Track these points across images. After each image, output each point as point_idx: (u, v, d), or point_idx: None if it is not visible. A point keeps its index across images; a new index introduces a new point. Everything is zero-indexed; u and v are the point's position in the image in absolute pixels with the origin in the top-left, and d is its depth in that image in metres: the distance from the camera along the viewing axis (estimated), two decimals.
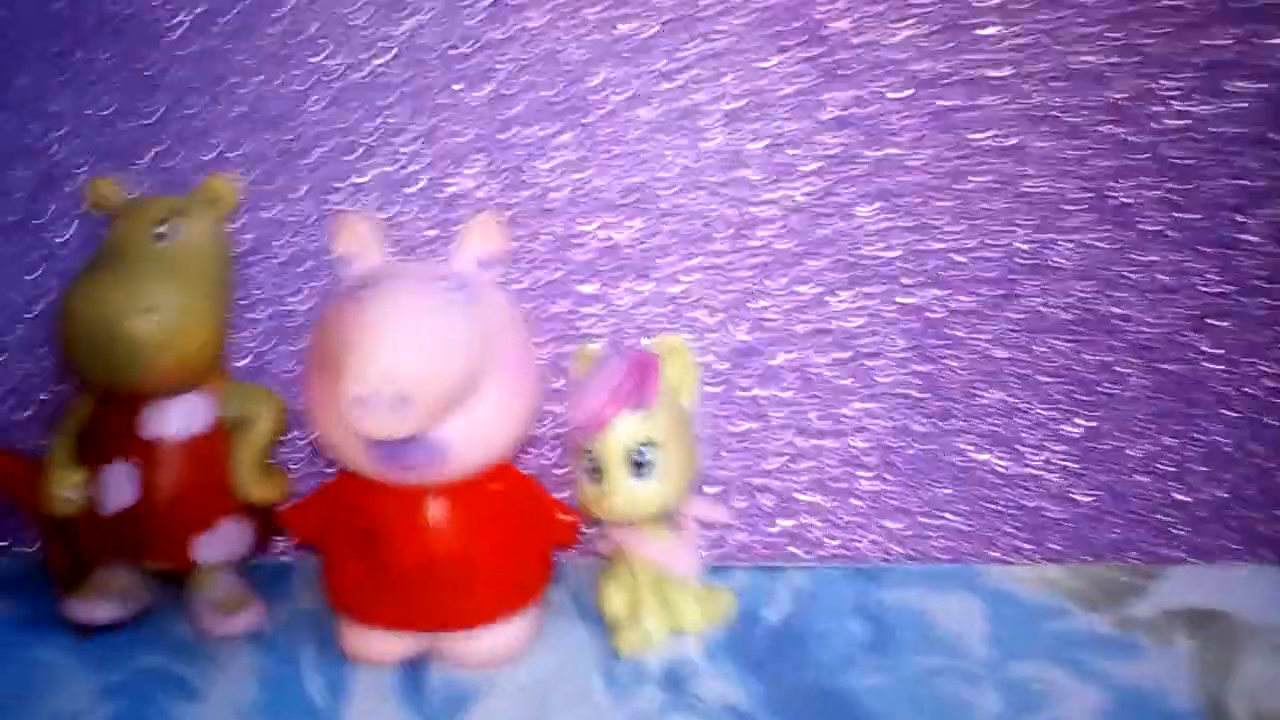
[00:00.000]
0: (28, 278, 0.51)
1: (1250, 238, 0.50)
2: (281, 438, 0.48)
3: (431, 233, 0.50)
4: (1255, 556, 0.53)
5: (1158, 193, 0.49)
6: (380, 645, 0.45)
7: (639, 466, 0.44)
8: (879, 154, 0.50)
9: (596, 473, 0.45)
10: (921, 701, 0.44)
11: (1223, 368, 0.51)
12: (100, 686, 0.44)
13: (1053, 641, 0.48)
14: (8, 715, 0.42)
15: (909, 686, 0.45)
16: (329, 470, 0.51)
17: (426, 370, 0.39)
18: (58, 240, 0.51)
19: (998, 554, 0.53)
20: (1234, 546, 0.53)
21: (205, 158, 0.50)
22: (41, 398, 0.52)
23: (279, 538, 0.51)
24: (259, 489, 0.46)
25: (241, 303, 0.50)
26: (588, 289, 0.51)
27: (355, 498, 0.45)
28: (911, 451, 0.52)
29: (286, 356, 0.51)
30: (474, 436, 0.42)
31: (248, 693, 0.44)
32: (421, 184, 0.50)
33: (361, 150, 0.50)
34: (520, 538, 0.46)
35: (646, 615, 0.47)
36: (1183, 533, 0.53)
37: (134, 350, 0.42)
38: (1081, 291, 0.51)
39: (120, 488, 0.45)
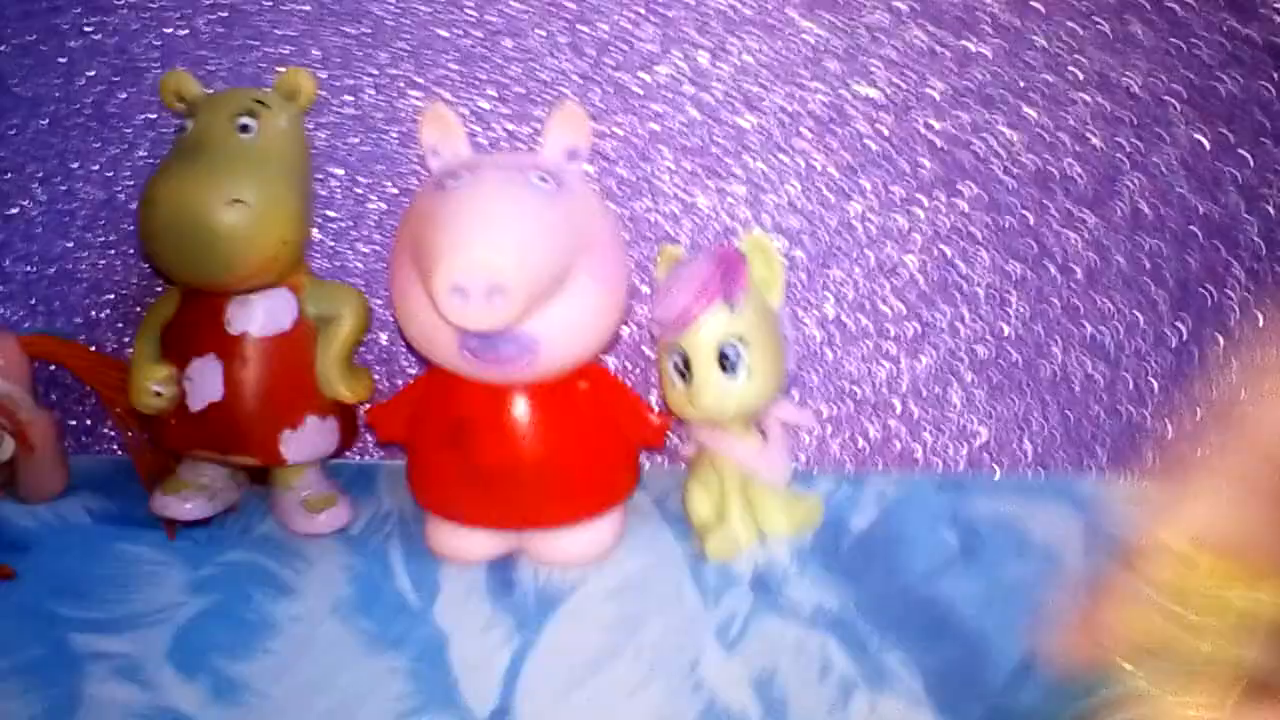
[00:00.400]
0: (105, 173, 0.50)
1: None
2: (364, 337, 0.48)
3: (515, 126, 0.49)
4: None
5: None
6: (468, 543, 0.45)
7: (728, 363, 0.43)
8: (965, 50, 0.48)
9: (685, 370, 0.44)
10: (1014, 608, 0.43)
11: None
12: (191, 580, 0.44)
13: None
14: (103, 607, 0.43)
15: (1001, 592, 0.44)
16: (410, 377, 0.51)
17: (520, 260, 0.38)
18: (132, 134, 0.50)
19: (1091, 465, 0.52)
20: None
21: (283, 52, 0.49)
22: (124, 294, 0.51)
23: (363, 439, 0.51)
24: (345, 387, 0.46)
25: (318, 202, 0.49)
26: (670, 189, 0.50)
27: (442, 396, 0.44)
28: (1003, 359, 0.51)
29: (361, 258, 0.51)
30: (564, 331, 0.41)
31: (339, 588, 0.44)
32: (505, 78, 0.49)
33: (438, 45, 0.48)
34: (607, 438, 0.45)
35: (734, 520, 0.46)
36: None
37: (220, 243, 0.42)
38: (1184, 192, 0.49)
39: (207, 383, 0.45)
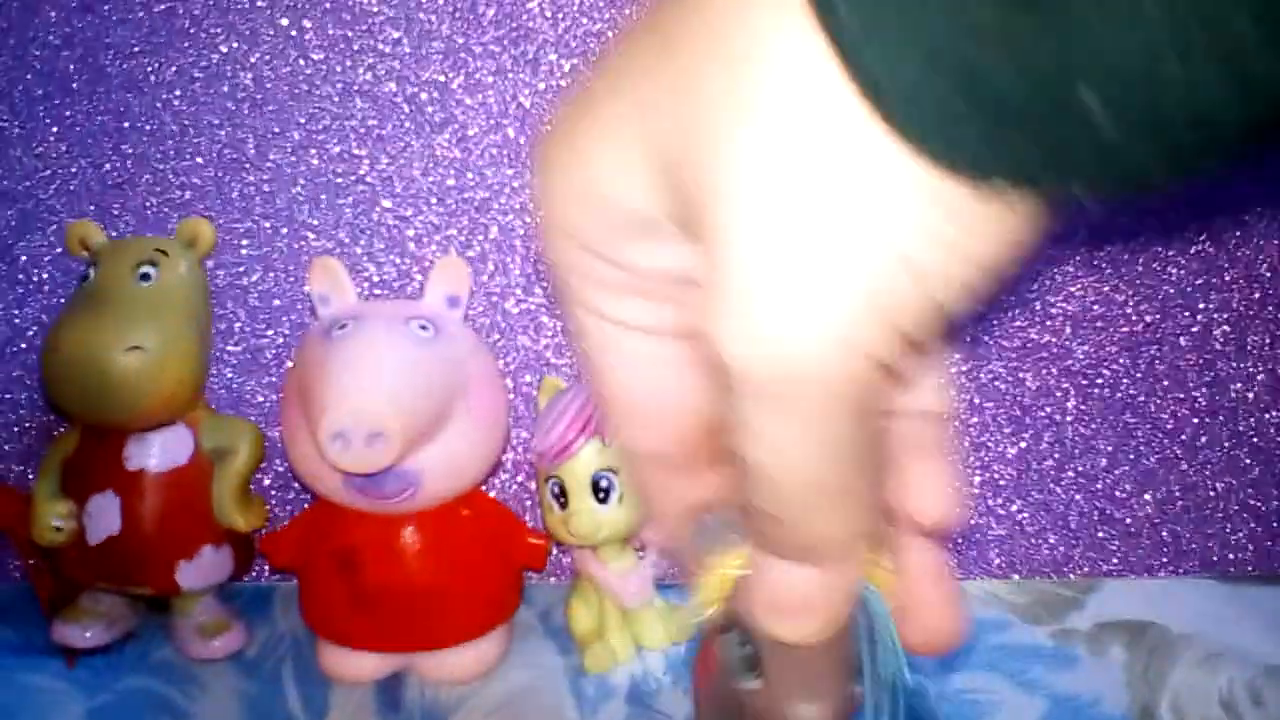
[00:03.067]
0: (11, 313, 0.52)
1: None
2: (259, 467, 0.50)
3: (398, 273, 0.53)
4: (1184, 570, 0.56)
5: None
6: (358, 664, 0.48)
7: (601, 491, 0.47)
8: None
9: (561, 497, 0.47)
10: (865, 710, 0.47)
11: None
12: (89, 709, 0.46)
13: (996, 654, 0.51)
14: None
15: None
16: (305, 498, 0.54)
17: (398, 407, 0.41)
18: (38, 276, 0.52)
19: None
20: (1165, 561, 0.56)
21: (183, 197, 0.52)
22: (28, 427, 0.53)
23: (258, 563, 0.53)
24: (240, 517, 0.48)
25: (217, 338, 0.52)
26: (551, 321, 0.53)
27: (331, 524, 0.47)
28: None
29: (262, 389, 0.53)
30: (444, 466, 0.44)
31: (231, 713, 0.46)
32: (390, 225, 0.52)
33: (331, 192, 0.52)
34: (490, 560, 0.48)
35: (611, 633, 0.49)
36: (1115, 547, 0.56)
37: (120, 386, 0.44)
38: (1019, 320, 0.54)
39: (105, 517, 0.47)
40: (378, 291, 0.52)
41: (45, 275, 0.52)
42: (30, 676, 0.48)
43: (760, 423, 0.20)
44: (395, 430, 0.41)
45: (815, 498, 0.22)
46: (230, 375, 0.53)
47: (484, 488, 0.49)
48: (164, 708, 0.46)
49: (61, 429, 0.52)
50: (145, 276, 0.46)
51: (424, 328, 0.44)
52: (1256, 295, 0.53)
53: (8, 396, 0.53)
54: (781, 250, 0.19)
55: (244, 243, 0.52)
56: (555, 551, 0.53)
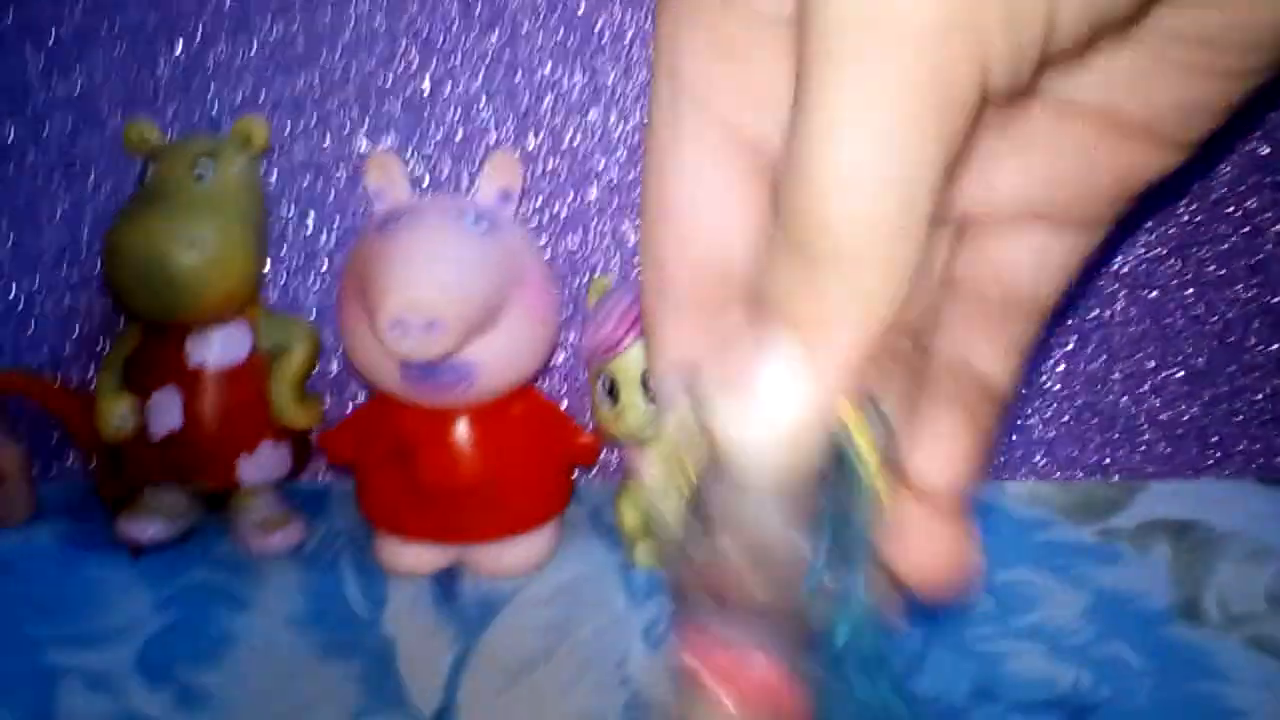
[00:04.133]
0: (70, 217, 0.53)
1: None
2: (315, 366, 0.51)
3: (449, 174, 0.53)
4: (1230, 473, 0.56)
5: None
6: (414, 557, 0.49)
7: (650, 387, 0.47)
8: None
9: (612, 394, 0.48)
10: (916, 603, 0.47)
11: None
12: (154, 599, 0.48)
13: (1039, 550, 0.51)
14: (72, 624, 0.46)
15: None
16: (359, 402, 0.54)
17: (455, 297, 0.42)
18: (94, 179, 0.53)
19: (985, 471, 0.56)
20: (1210, 463, 0.56)
21: (236, 99, 0.52)
22: (89, 331, 0.54)
23: (315, 464, 0.55)
24: (296, 414, 0.49)
25: (270, 242, 0.53)
26: (600, 223, 0.54)
27: (387, 420, 0.48)
28: None
29: (315, 293, 0.54)
30: (499, 359, 0.45)
31: (293, 603, 0.47)
32: (441, 126, 0.52)
33: (381, 93, 0.52)
34: (542, 456, 0.49)
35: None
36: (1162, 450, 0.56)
37: (178, 282, 0.45)
38: None
39: (167, 413, 0.48)
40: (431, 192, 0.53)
41: (103, 178, 0.53)
42: (96, 569, 0.49)
43: (839, 110, 0.17)
44: (452, 318, 0.41)
45: (868, 221, 0.18)
46: (284, 279, 0.54)
47: (536, 387, 0.50)
48: (228, 598, 0.48)
49: (122, 328, 0.53)
50: (201, 176, 0.47)
51: (478, 221, 0.44)
52: None
53: (67, 302, 0.54)
54: None
55: (296, 145, 0.52)
56: (605, 452, 0.54)
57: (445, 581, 0.49)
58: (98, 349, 0.54)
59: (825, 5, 0.17)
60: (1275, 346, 0.55)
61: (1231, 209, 0.53)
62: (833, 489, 0.22)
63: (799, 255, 0.19)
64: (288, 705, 0.42)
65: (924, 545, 0.24)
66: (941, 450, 0.24)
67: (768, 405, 0.20)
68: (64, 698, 0.42)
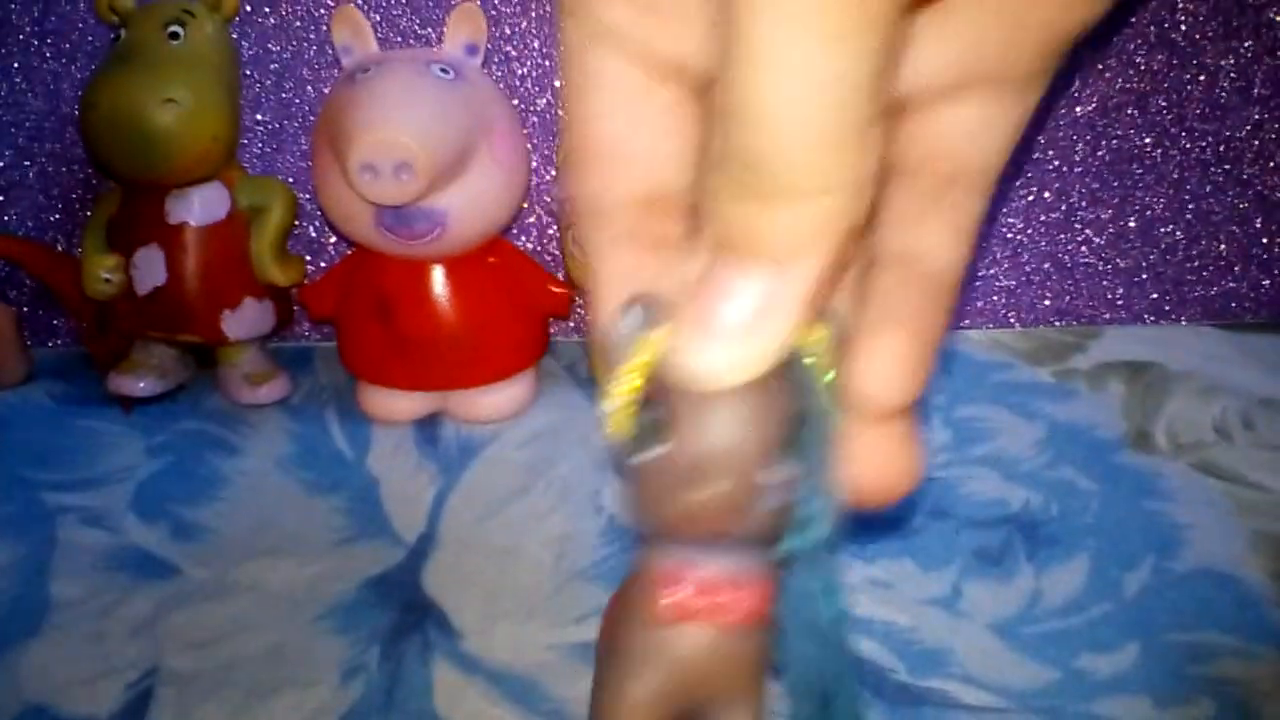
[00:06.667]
0: (48, 86, 0.54)
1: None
2: (293, 225, 0.53)
3: (416, 33, 0.54)
4: (1187, 317, 0.58)
5: None
6: (396, 405, 0.51)
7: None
8: None
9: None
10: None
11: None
12: (147, 446, 0.50)
13: (998, 389, 0.53)
14: (69, 470, 0.48)
15: None
16: (338, 259, 0.56)
17: (423, 140, 0.43)
18: (70, 49, 0.54)
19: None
20: (1167, 309, 0.58)
21: None
22: (72, 198, 0.56)
23: (299, 325, 0.56)
24: (277, 271, 0.51)
25: (245, 109, 0.54)
26: None
27: (366, 273, 0.49)
28: None
29: (290, 157, 0.55)
30: (469, 207, 0.46)
31: (282, 447, 0.49)
32: None
33: None
34: (517, 305, 0.50)
35: None
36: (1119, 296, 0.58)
37: (156, 138, 0.46)
38: None
39: (150, 270, 0.50)
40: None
41: (79, 48, 0.53)
42: (90, 422, 0.51)
43: (767, 42, 0.17)
44: (421, 162, 0.43)
45: (808, 154, 0.19)
46: (260, 146, 0.55)
47: (509, 241, 0.52)
48: (218, 444, 0.50)
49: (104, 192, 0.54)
50: (174, 35, 0.48)
51: (444, 70, 0.46)
52: (1265, 44, 0.54)
53: (50, 170, 0.55)
54: None
55: (265, 9, 0.53)
56: (580, 307, 0.56)
57: (427, 427, 0.51)
58: (81, 216, 0.55)
59: None
60: (1230, 195, 0.56)
61: (1189, 58, 0.54)
62: (789, 400, 0.23)
63: (753, 192, 0.19)
64: (277, 534, 0.44)
65: (870, 458, 0.24)
66: (887, 365, 0.24)
67: (736, 341, 0.21)
68: (63, 532, 0.44)
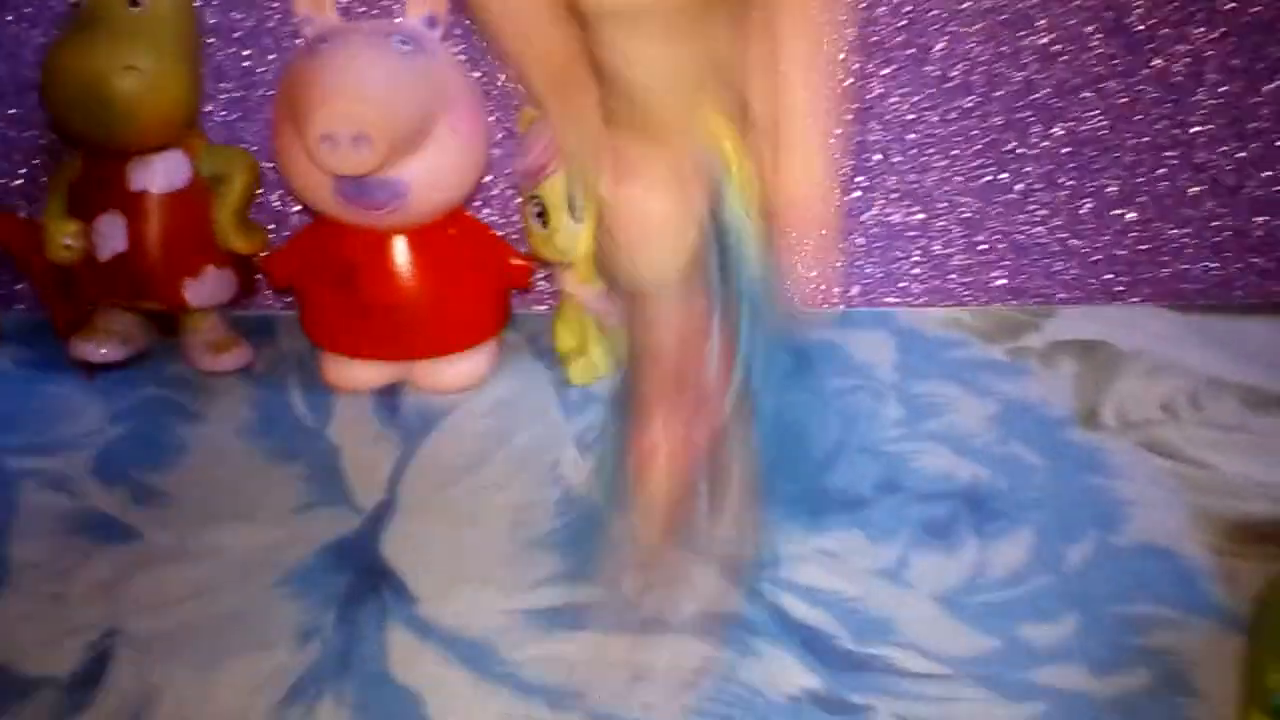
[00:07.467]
0: (8, 52, 0.54)
1: None
2: (255, 194, 0.53)
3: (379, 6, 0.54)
4: (1139, 299, 0.59)
5: None
6: (358, 374, 0.51)
7: (575, 209, 0.49)
8: None
9: (542, 217, 0.50)
10: (835, 412, 0.50)
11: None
12: (110, 412, 0.50)
13: (952, 365, 0.54)
14: (32, 435, 0.48)
15: (824, 400, 0.51)
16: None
17: (381, 111, 0.43)
18: (32, 13, 0.53)
19: (906, 299, 0.59)
20: (1120, 289, 0.59)
21: None
22: (33, 164, 0.55)
23: (261, 294, 0.57)
24: (239, 240, 0.51)
25: (209, 78, 0.54)
26: None
27: (328, 243, 0.50)
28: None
29: (253, 126, 0.55)
30: (429, 178, 0.47)
31: (242, 415, 0.50)
32: None
33: None
34: (477, 277, 0.51)
35: (592, 349, 0.53)
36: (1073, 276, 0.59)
37: (117, 104, 0.46)
38: (986, 55, 0.55)
39: (112, 236, 0.50)
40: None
41: (40, 10, 0.53)
42: (53, 388, 0.52)
43: (615, 39, 0.27)
44: (379, 132, 0.43)
45: (665, 84, 0.28)
46: (223, 114, 0.55)
47: (470, 214, 0.52)
48: (179, 410, 0.50)
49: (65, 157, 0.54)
50: (135, 2, 0.48)
51: (404, 43, 0.46)
52: (1216, 34, 0.55)
53: (11, 135, 0.55)
54: None
55: None
56: (541, 279, 0.56)
57: (388, 396, 0.51)
58: (42, 181, 0.55)
59: None
60: (1185, 177, 0.57)
61: (1144, 45, 0.55)
62: (718, 238, 0.30)
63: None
64: (236, 500, 0.44)
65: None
66: (800, 168, 0.31)
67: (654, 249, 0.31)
68: (24, 495, 0.45)
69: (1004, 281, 0.59)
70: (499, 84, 0.54)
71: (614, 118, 0.29)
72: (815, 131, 0.31)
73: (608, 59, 0.27)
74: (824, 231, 0.32)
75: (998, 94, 0.55)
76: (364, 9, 0.53)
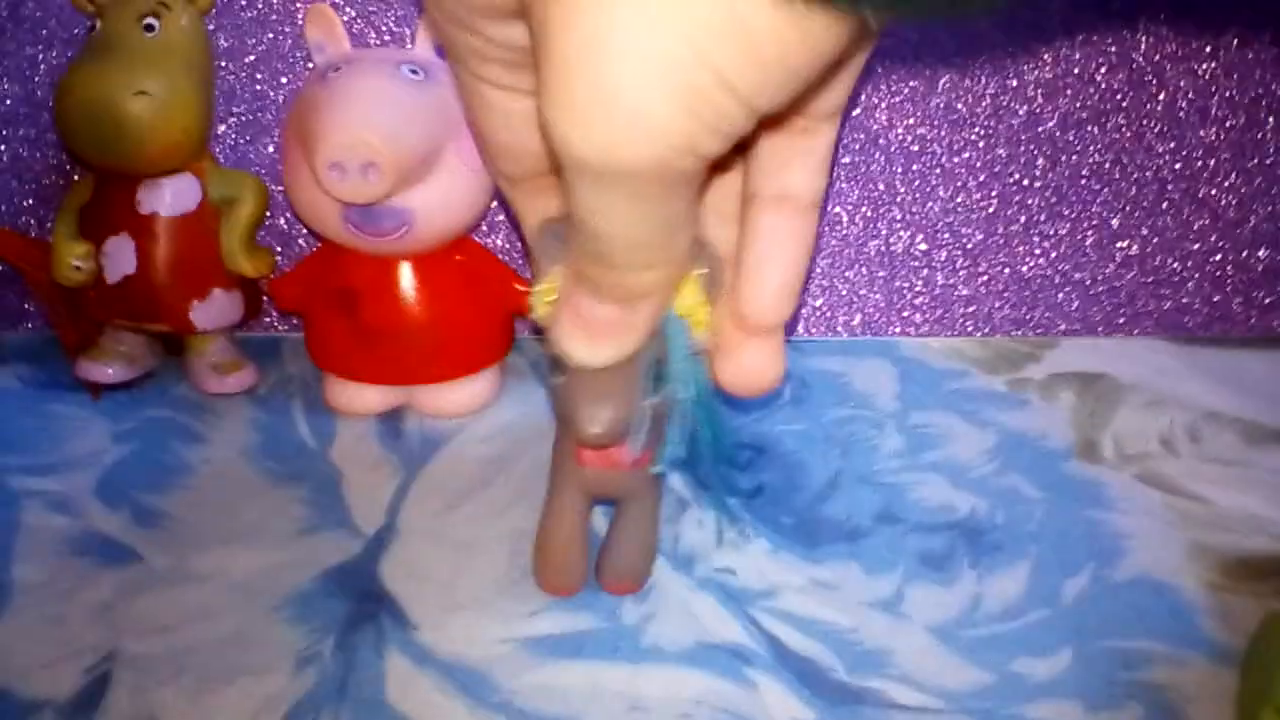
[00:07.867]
0: (24, 72, 0.54)
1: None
2: (264, 218, 0.53)
3: (390, 31, 0.54)
4: (1140, 331, 0.59)
5: None
6: (361, 398, 0.51)
7: None
8: None
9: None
10: (834, 442, 0.51)
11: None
12: (114, 432, 0.50)
13: (952, 396, 0.54)
14: (35, 454, 0.49)
15: (824, 430, 0.51)
16: (308, 251, 0.57)
17: (391, 140, 0.44)
18: (46, 35, 0.54)
19: (909, 328, 0.59)
20: (1121, 321, 0.59)
21: None
22: (45, 183, 0.56)
23: (268, 314, 0.57)
24: (246, 263, 0.52)
25: (220, 101, 0.54)
26: None
27: (334, 268, 0.50)
28: (836, 237, 0.58)
29: (264, 150, 0.56)
30: (436, 206, 0.47)
31: (247, 437, 0.50)
32: None
33: None
34: (482, 302, 0.51)
35: None
36: (1075, 308, 0.59)
37: (129, 129, 0.47)
38: (991, 87, 0.55)
39: (121, 258, 0.50)
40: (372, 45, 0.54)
41: (55, 35, 0.54)
42: (58, 407, 0.52)
43: (587, 195, 0.25)
44: (388, 162, 0.44)
45: (635, 254, 0.27)
46: (234, 137, 0.56)
47: (476, 240, 0.52)
48: (183, 432, 0.50)
49: (77, 180, 0.54)
50: (149, 28, 0.48)
51: (415, 71, 0.46)
52: (1224, 66, 0.55)
53: (24, 155, 0.56)
54: (599, 53, 0.22)
55: (242, 2, 0.53)
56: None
57: (390, 420, 0.52)
58: (53, 202, 0.55)
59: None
60: (1185, 213, 0.58)
61: (1148, 77, 0.55)
62: (658, 347, 0.32)
63: (600, 267, 0.28)
64: (238, 523, 0.45)
65: (752, 363, 0.33)
66: (771, 290, 0.31)
67: (592, 347, 0.31)
68: (26, 516, 0.45)
69: (1006, 312, 0.59)
70: None
71: (576, 255, 0.29)
72: (781, 262, 0.31)
73: (579, 213, 0.26)
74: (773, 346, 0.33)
75: (1003, 126, 0.56)
76: (375, 37, 0.54)
